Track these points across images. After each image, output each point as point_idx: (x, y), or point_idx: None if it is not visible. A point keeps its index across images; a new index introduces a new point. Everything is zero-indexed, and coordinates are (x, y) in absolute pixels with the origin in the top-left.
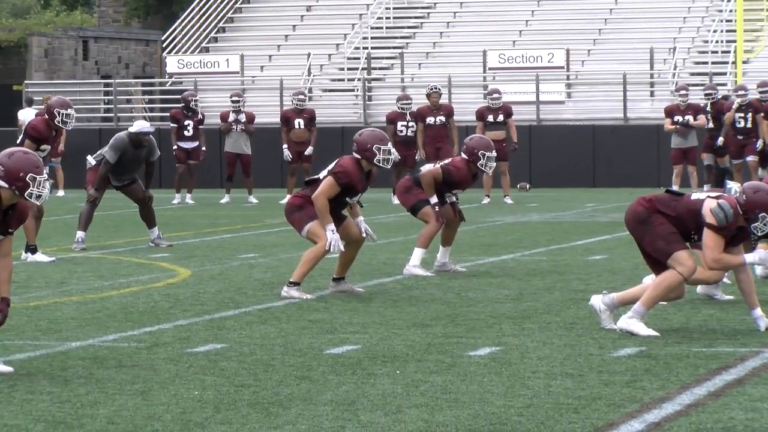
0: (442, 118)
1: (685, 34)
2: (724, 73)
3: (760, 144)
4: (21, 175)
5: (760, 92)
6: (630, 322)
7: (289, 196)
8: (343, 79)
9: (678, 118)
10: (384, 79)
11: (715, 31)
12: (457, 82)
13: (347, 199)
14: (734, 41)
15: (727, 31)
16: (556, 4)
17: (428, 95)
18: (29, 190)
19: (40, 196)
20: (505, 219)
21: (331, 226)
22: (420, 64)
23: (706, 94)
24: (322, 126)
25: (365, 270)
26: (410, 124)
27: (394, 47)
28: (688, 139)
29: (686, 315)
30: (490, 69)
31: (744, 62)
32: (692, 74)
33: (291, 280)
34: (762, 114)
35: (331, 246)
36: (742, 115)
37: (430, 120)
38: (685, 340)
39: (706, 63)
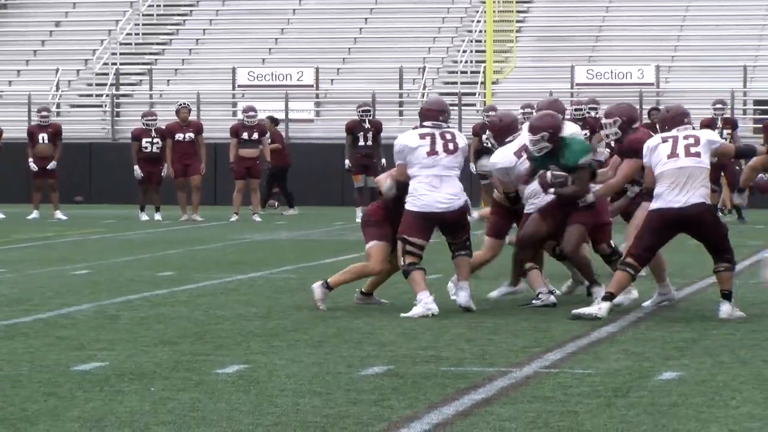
0: (191, 135)
1: (435, 54)
2: (474, 94)
3: None
4: None
5: (523, 114)
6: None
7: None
8: (91, 95)
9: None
10: (132, 95)
11: (464, 51)
12: (206, 99)
13: None
14: (484, 62)
15: (477, 51)
16: (306, 23)
17: (177, 111)
18: None
19: None
20: (253, 237)
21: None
22: (169, 80)
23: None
24: (70, 141)
25: (112, 287)
26: (155, 140)
27: (144, 63)
28: None
29: (435, 334)
30: (239, 86)
31: (493, 83)
32: (441, 94)
33: (328, 280)
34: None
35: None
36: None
37: (179, 136)
38: (434, 360)
39: (455, 83)
